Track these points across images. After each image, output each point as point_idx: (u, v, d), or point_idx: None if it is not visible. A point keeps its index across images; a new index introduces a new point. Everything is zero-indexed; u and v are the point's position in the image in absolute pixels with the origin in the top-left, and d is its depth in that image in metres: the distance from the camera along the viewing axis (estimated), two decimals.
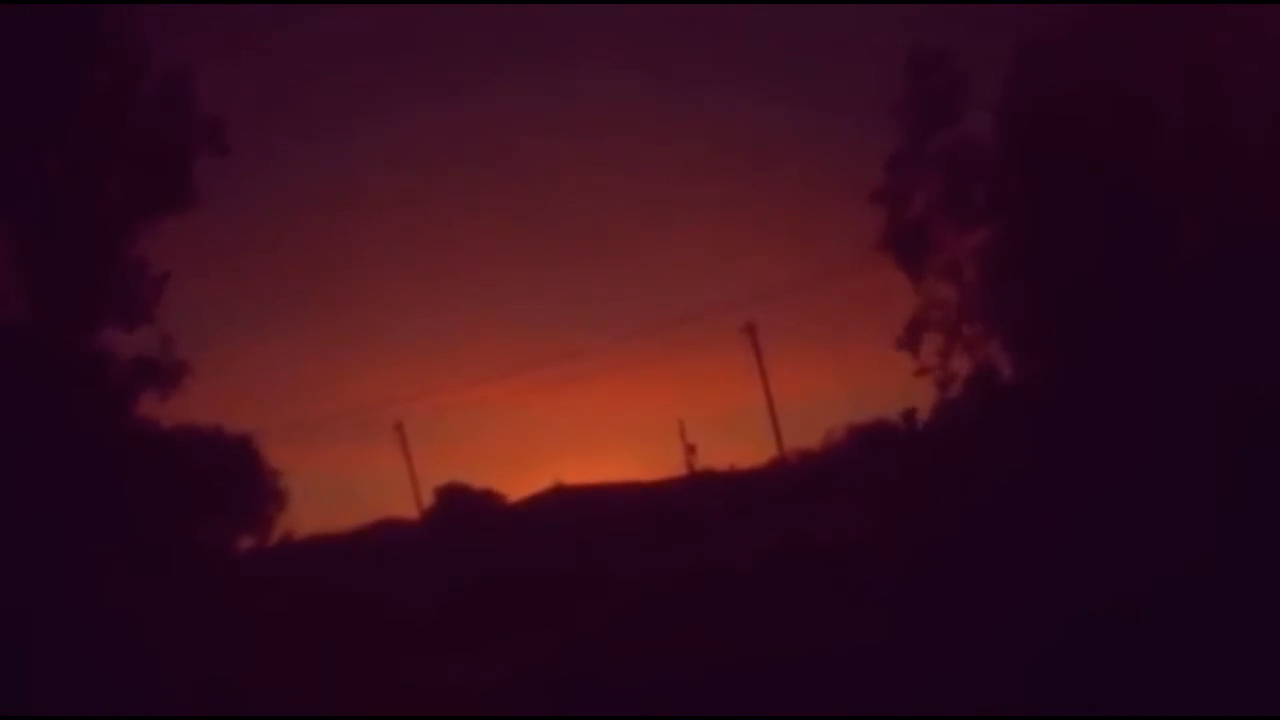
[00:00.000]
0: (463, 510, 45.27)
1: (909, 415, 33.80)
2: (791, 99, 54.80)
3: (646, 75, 57.80)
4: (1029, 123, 26.14)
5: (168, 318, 25.27)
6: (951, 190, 27.20)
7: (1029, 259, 26.34)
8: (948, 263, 27.18)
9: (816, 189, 53.10)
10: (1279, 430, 21.88)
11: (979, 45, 26.77)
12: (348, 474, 57.64)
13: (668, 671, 26.44)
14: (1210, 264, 24.32)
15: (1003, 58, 26.23)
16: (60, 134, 23.96)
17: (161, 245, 24.78)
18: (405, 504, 50.46)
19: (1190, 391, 22.72)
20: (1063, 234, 25.82)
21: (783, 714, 23.06)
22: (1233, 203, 24.66)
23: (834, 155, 49.99)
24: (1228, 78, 25.07)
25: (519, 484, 50.97)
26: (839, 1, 35.41)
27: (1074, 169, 25.73)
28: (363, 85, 57.24)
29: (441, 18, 49.13)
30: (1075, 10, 25.73)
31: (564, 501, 46.06)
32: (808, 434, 59.23)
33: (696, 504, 42.90)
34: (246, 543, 34.67)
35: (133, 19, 24.01)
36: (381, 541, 43.52)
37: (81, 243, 24.12)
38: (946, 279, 27.23)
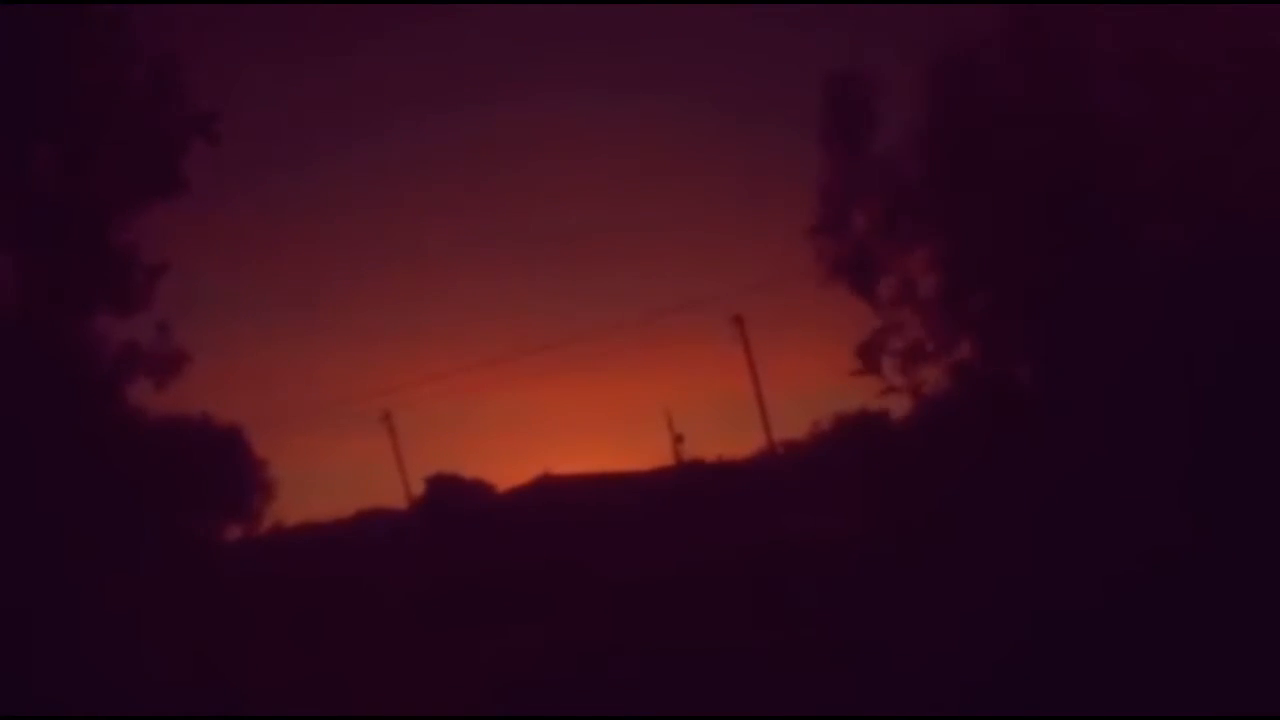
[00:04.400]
0: (451, 500, 45.31)
1: (881, 416, 34.05)
2: (779, 96, 55.17)
3: (640, 77, 58.26)
4: (956, 133, 26.11)
5: (159, 307, 25.38)
6: (888, 210, 27.23)
7: (989, 268, 26.37)
8: (900, 282, 27.23)
9: (805, 182, 53.10)
10: (1254, 423, 22.01)
11: (905, 60, 26.79)
12: (336, 463, 57.84)
13: (654, 661, 26.49)
14: (1174, 259, 24.39)
15: (924, 71, 26.18)
16: (50, 122, 23.96)
17: (153, 235, 24.89)
18: (394, 493, 50.62)
19: (1165, 385, 22.82)
20: (1021, 241, 25.85)
21: (770, 703, 23.13)
22: (1193, 195, 24.73)
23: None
24: (1175, 71, 25.07)
25: (507, 474, 51.14)
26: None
27: (1019, 175, 25.76)
28: (360, 83, 57.55)
29: (440, 20, 49.54)
30: (998, 16, 25.69)
31: (552, 491, 46.08)
32: (796, 425, 59.48)
33: (684, 494, 42.95)
34: (234, 532, 34.80)
35: (125, 11, 24.08)
36: (370, 531, 43.57)
37: (71, 229, 24.15)
38: (901, 298, 27.25)
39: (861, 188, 27.15)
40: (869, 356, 27.21)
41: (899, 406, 29.77)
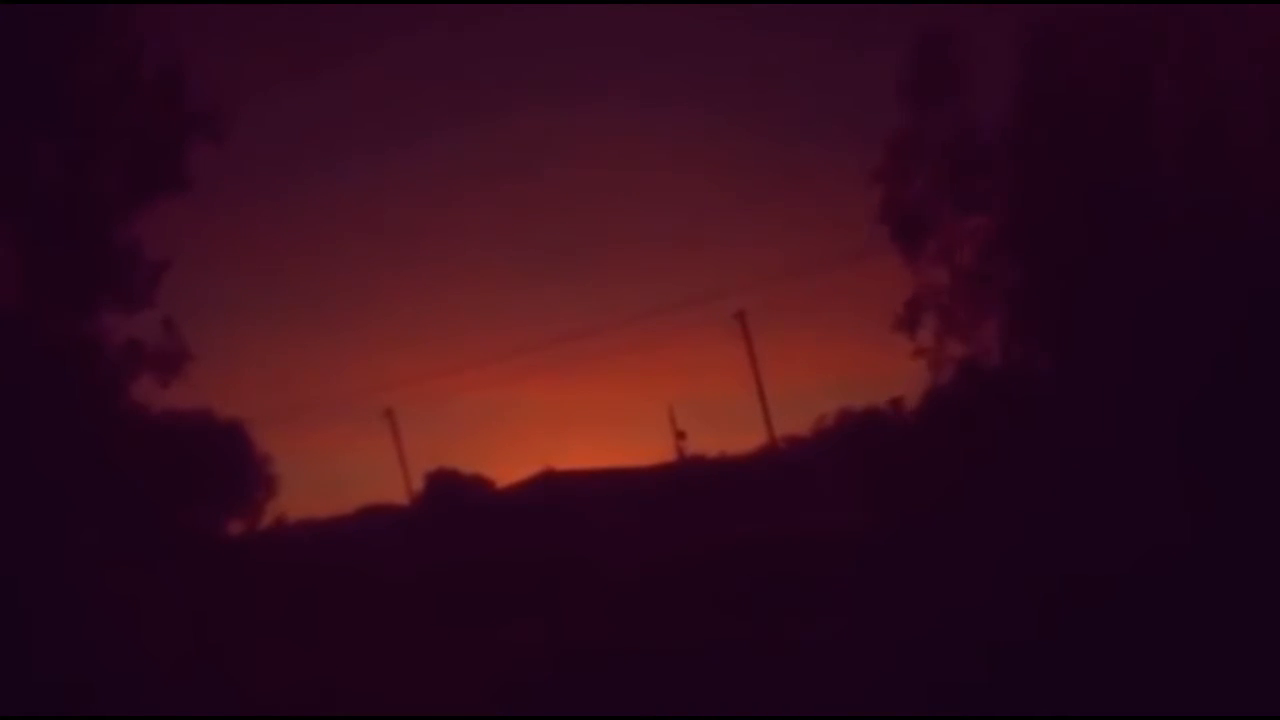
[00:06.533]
0: (452, 496, 45.28)
1: (896, 403, 33.88)
2: (785, 88, 55.18)
3: (638, 64, 58.26)
4: (1037, 109, 26.12)
5: (164, 304, 25.40)
6: (952, 174, 27.21)
7: (1022, 245, 26.39)
8: (943, 246, 27.20)
9: (809, 176, 53.31)
10: (1272, 419, 22.00)
11: (984, 28, 26.69)
12: (337, 459, 57.73)
13: (656, 657, 26.51)
14: (1206, 255, 24.34)
15: (1008, 41, 26.13)
16: (54, 118, 23.99)
17: (157, 232, 24.93)
18: (395, 490, 50.55)
19: (1182, 382, 22.80)
20: (1057, 222, 25.86)
21: (772, 700, 23.14)
22: (1230, 192, 24.67)
23: (827, 143, 50.19)
24: (1223, 63, 25.04)
25: (508, 470, 51.01)
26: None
27: (1073, 156, 25.75)
28: (369, 86, 57.40)
29: (447, 27, 49.51)
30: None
31: (553, 487, 46.04)
32: (798, 421, 59.45)
33: (686, 490, 42.95)
34: (236, 527, 34.83)
35: (131, 8, 24.11)
36: (371, 527, 43.57)
37: (75, 225, 24.18)
38: (940, 262, 27.25)
39: (930, 145, 27.18)
40: (914, 312, 27.22)
41: (912, 385, 29.70)
